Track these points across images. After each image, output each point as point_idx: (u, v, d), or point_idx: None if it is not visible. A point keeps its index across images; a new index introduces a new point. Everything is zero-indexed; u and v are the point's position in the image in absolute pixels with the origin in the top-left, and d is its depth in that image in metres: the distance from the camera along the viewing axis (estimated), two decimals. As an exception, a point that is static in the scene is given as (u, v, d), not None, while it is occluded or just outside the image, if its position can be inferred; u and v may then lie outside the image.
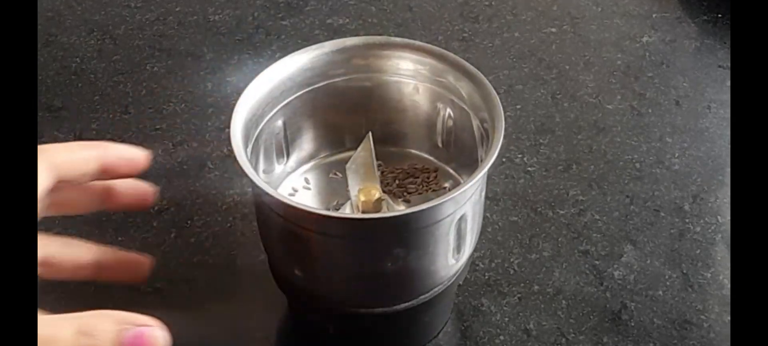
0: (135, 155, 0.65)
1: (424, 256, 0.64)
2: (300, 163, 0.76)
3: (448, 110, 0.73)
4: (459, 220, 0.64)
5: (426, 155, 0.77)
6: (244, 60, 1.03)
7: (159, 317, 0.55)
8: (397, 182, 0.75)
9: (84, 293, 0.76)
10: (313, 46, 0.72)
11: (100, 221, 0.83)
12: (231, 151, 0.63)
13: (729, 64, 1.02)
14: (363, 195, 0.70)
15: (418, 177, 0.75)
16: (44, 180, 0.58)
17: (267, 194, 0.61)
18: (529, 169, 0.90)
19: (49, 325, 0.52)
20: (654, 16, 1.10)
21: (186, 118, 0.96)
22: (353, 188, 0.71)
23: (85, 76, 1.01)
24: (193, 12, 1.10)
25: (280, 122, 0.71)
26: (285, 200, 0.61)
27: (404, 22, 1.08)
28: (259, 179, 0.62)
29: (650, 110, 0.97)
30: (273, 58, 0.72)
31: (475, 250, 0.72)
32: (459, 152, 0.74)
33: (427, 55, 0.71)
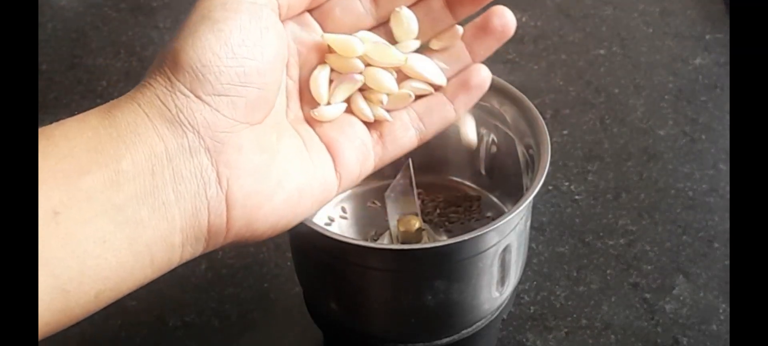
0: None
1: (467, 288, 0.63)
2: (336, 192, 0.74)
3: (492, 136, 0.71)
4: (503, 251, 0.63)
5: (468, 183, 0.75)
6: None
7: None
8: (438, 211, 0.73)
9: (111, 327, 0.76)
10: (352, 69, 0.70)
11: None
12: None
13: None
14: (402, 225, 0.69)
15: (460, 206, 0.74)
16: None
17: (302, 223, 0.59)
18: (577, 197, 0.88)
19: None
20: (707, 37, 1.08)
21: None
22: (392, 217, 0.70)
23: (111, 99, 1.00)
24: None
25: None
26: (320, 230, 0.60)
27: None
28: (293, 208, 0.61)
29: (703, 136, 0.95)
30: (308, 82, 0.71)
31: (520, 282, 0.71)
32: (503, 180, 0.73)
33: (469, 78, 0.69)
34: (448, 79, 0.60)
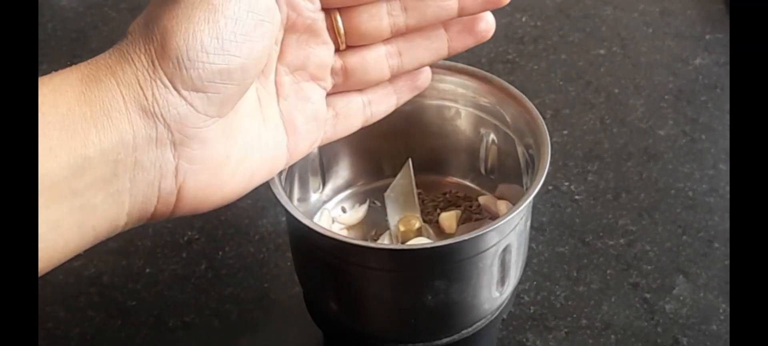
0: None
1: (467, 288, 0.62)
2: (336, 192, 0.75)
3: (492, 136, 0.71)
4: (503, 251, 0.62)
5: (468, 183, 0.75)
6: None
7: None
8: (438, 211, 0.73)
9: (111, 327, 0.76)
10: (351, 69, 0.70)
11: (127, 251, 0.82)
12: (264, 178, 0.61)
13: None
14: (403, 225, 0.69)
15: (460, 206, 0.73)
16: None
17: (302, 223, 0.60)
18: (577, 197, 0.88)
19: None
20: (707, 37, 1.07)
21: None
22: (392, 217, 0.70)
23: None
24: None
25: (315, 148, 0.69)
26: (321, 230, 0.60)
27: (446, 44, 1.06)
28: (293, 208, 0.61)
29: (703, 136, 0.94)
30: (308, 82, 0.70)
31: (520, 282, 0.71)
32: (503, 180, 0.72)
33: (469, 78, 0.70)
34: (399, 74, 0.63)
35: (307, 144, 0.59)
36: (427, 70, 0.64)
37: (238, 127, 0.54)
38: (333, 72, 0.60)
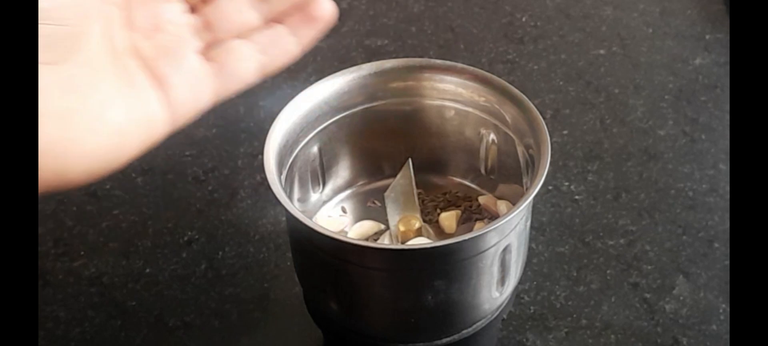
0: None
1: (467, 288, 0.62)
2: (336, 192, 0.75)
3: (492, 136, 0.71)
4: (503, 251, 0.62)
5: (468, 183, 0.75)
6: (277, 83, 1.00)
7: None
8: (438, 211, 0.73)
9: (111, 327, 0.76)
10: (351, 69, 0.70)
11: (127, 251, 0.82)
12: (264, 178, 0.62)
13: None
14: (403, 225, 0.69)
15: (460, 206, 0.73)
16: None
17: (302, 223, 0.60)
18: (577, 197, 0.88)
19: None
20: (707, 37, 1.07)
21: (217, 145, 0.94)
22: (392, 217, 0.70)
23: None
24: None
25: (315, 148, 0.70)
26: (321, 230, 0.60)
27: (446, 43, 1.06)
28: (293, 207, 0.61)
29: (704, 136, 0.94)
30: (308, 81, 0.71)
31: (520, 282, 0.71)
32: (503, 180, 0.73)
33: (469, 78, 0.70)
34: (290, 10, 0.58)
35: (192, 99, 0.55)
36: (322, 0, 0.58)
37: (89, 83, 0.51)
38: (195, 30, 0.57)
